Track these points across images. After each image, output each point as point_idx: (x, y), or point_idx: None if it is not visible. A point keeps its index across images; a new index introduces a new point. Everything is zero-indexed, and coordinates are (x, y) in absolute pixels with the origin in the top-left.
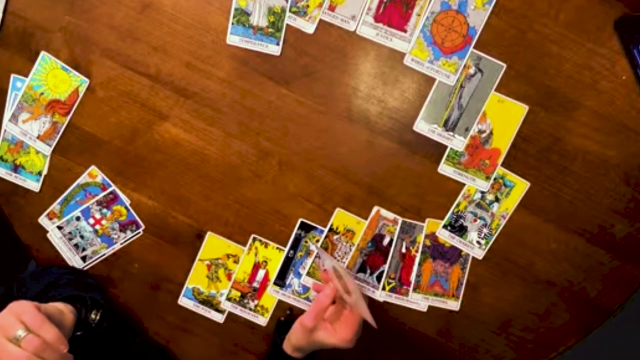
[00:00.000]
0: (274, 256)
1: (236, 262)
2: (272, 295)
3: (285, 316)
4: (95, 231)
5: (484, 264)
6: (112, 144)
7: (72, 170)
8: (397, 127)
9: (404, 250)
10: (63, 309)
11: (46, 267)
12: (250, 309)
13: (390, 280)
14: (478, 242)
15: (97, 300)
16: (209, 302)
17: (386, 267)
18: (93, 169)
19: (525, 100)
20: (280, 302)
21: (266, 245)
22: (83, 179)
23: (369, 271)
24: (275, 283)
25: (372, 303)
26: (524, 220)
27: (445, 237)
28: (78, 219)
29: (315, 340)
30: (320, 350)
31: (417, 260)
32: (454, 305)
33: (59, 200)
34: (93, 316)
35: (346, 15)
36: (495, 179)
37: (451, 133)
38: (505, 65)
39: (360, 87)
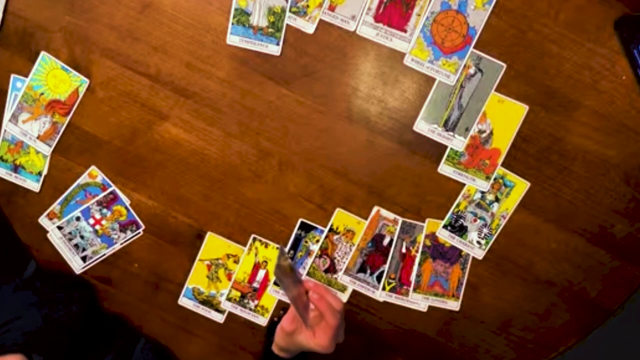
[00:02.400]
0: (274, 256)
1: (236, 262)
2: (272, 296)
3: (279, 317)
4: (95, 231)
5: (484, 264)
6: (112, 144)
7: (72, 170)
8: (397, 127)
9: (404, 250)
10: None
11: (34, 284)
12: (250, 309)
13: (390, 280)
14: (478, 242)
15: (56, 352)
16: (209, 302)
17: (386, 267)
18: (93, 169)
19: (525, 100)
20: (280, 302)
21: (266, 245)
22: (83, 179)
23: (369, 271)
24: (275, 283)
25: (372, 303)
26: (524, 220)
27: (445, 237)
28: (78, 219)
29: (296, 343)
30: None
31: (417, 260)
32: (454, 305)
33: (59, 200)
34: None
35: (346, 15)
36: (495, 179)
37: (451, 133)
38: (505, 65)
39: (360, 87)
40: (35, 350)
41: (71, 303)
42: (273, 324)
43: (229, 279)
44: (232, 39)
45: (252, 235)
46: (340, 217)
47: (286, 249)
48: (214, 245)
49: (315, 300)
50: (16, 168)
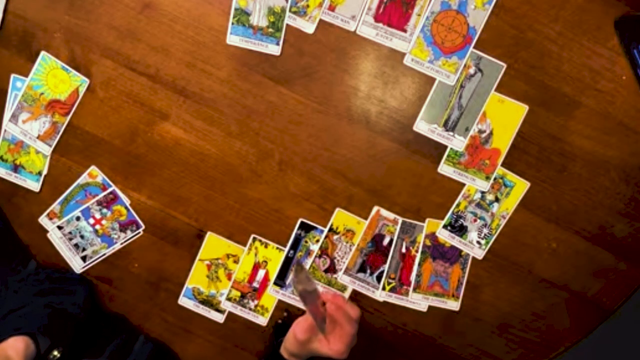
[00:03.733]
0: (274, 256)
1: (236, 262)
2: (272, 295)
3: (283, 318)
4: (95, 231)
5: (484, 264)
6: (112, 144)
7: (72, 170)
8: (397, 127)
9: (404, 250)
10: (10, 353)
11: (42, 275)
12: (250, 309)
13: (390, 280)
14: (478, 242)
15: (64, 337)
16: (209, 302)
17: (386, 267)
18: (93, 169)
19: (525, 100)
20: (280, 302)
21: (266, 245)
22: (83, 179)
23: (369, 271)
24: (275, 283)
25: (372, 303)
26: (524, 220)
27: (445, 237)
28: (78, 219)
29: (309, 350)
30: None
31: (417, 260)
32: (454, 305)
33: (59, 200)
34: (55, 353)
35: (346, 15)
36: (495, 179)
37: (451, 133)
38: (505, 65)
39: (360, 87)
40: (41, 332)
41: (74, 294)
42: (279, 325)
43: (229, 278)
44: (232, 39)
45: (252, 235)
46: (340, 217)
47: (302, 263)
48: (214, 245)
49: (333, 311)
50: (16, 168)
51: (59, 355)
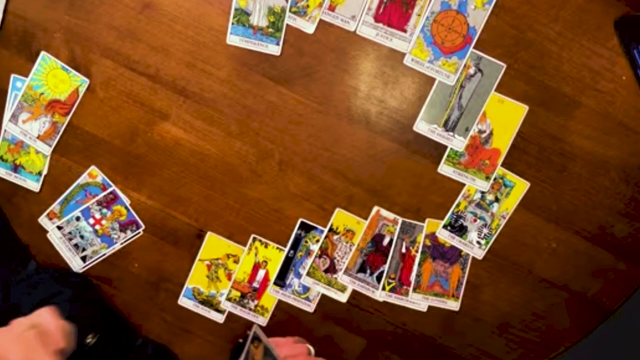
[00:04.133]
0: (274, 256)
1: (236, 262)
2: (272, 295)
3: (244, 337)
4: (95, 231)
5: (484, 264)
6: (112, 144)
7: (72, 170)
8: (397, 127)
9: (404, 250)
10: (71, 331)
11: (45, 274)
12: (250, 309)
13: (390, 280)
14: (478, 242)
15: (96, 322)
16: (209, 302)
17: (386, 267)
18: (93, 169)
19: (525, 100)
20: (280, 302)
21: (266, 245)
22: (83, 179)
23: (369, 271)
24: (275, 283)
25: (372, 303)
26: (524, 220)
27: (445, 237)
28: (78, 219)
29: None
30: (317, 353)
31: (417, 260)
32: (454, 305)
33: (59, 200)
34: (90, 339)
35: (346, 15)
36: (495, 179)
37: (451, 133)
38: (505, 65)
39: (360, 87)
40: (76, 319)
41: (87, 289)
42: (239, 345)
43: (229, 279)
44: (232, 39)
45: (252, 235)
46: (340, 217)
47: (257, 333)
48: (214, 245)
49: None
50: (16, 168)
51: (95, 341)
